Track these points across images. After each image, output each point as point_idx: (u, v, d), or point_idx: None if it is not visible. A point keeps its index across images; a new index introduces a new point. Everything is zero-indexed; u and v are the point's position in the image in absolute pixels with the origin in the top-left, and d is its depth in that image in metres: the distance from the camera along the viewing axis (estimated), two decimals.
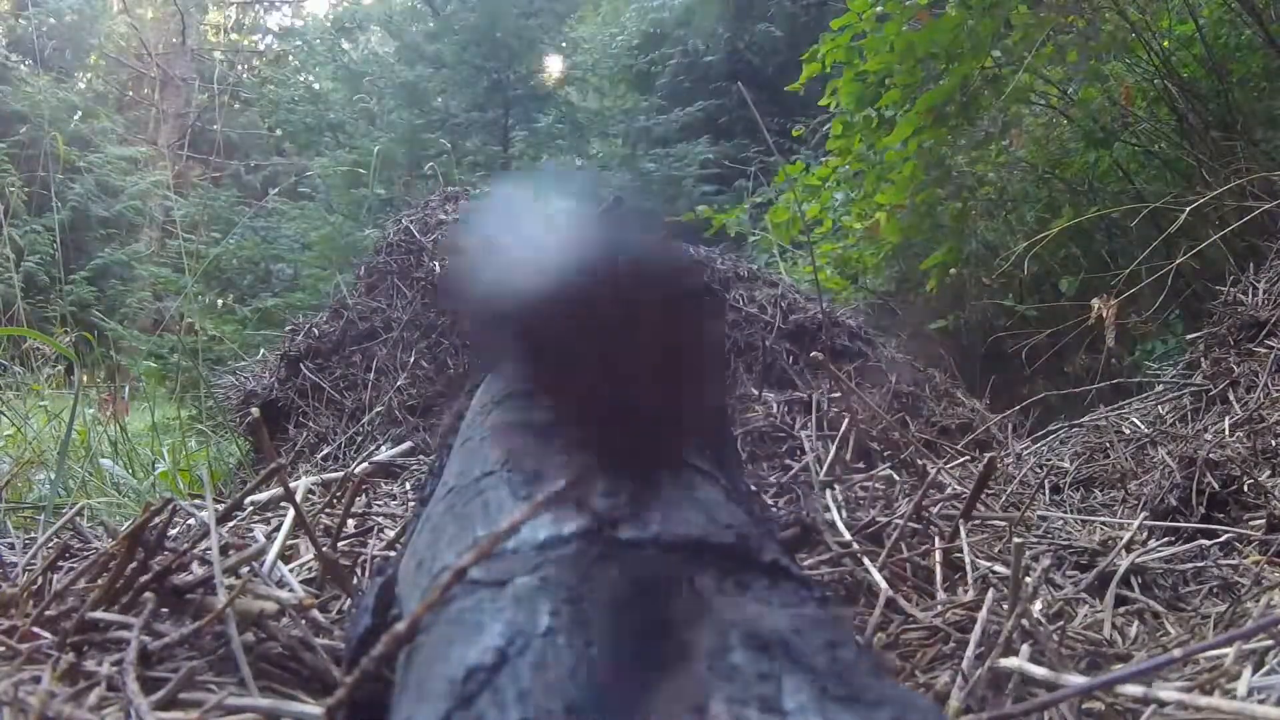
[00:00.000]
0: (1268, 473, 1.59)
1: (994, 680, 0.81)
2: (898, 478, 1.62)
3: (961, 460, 1.98)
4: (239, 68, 15.18)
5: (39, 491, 2.14)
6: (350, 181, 6.50)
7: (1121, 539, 1.29)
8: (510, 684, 0.38)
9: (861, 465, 1.74)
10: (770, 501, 1.49)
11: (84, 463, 2.39)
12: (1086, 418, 2.37)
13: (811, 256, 4.07)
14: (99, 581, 0.87)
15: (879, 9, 3.89)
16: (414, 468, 1.82)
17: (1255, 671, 0.81)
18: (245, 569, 0.90)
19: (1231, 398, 2.01)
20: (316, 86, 9.58)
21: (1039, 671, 0.80)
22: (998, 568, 1.15)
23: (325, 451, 2.41)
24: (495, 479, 0.65)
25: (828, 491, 1.43)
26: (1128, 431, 2.12)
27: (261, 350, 3.72)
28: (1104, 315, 2.67)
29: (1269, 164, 3.09)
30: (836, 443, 1.78)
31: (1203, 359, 2.29)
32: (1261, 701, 0.76)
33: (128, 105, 15.40)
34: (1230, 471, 1.53)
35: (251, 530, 1.22)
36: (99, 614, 0.82)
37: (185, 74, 14.19)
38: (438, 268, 2.87)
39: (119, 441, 2.74)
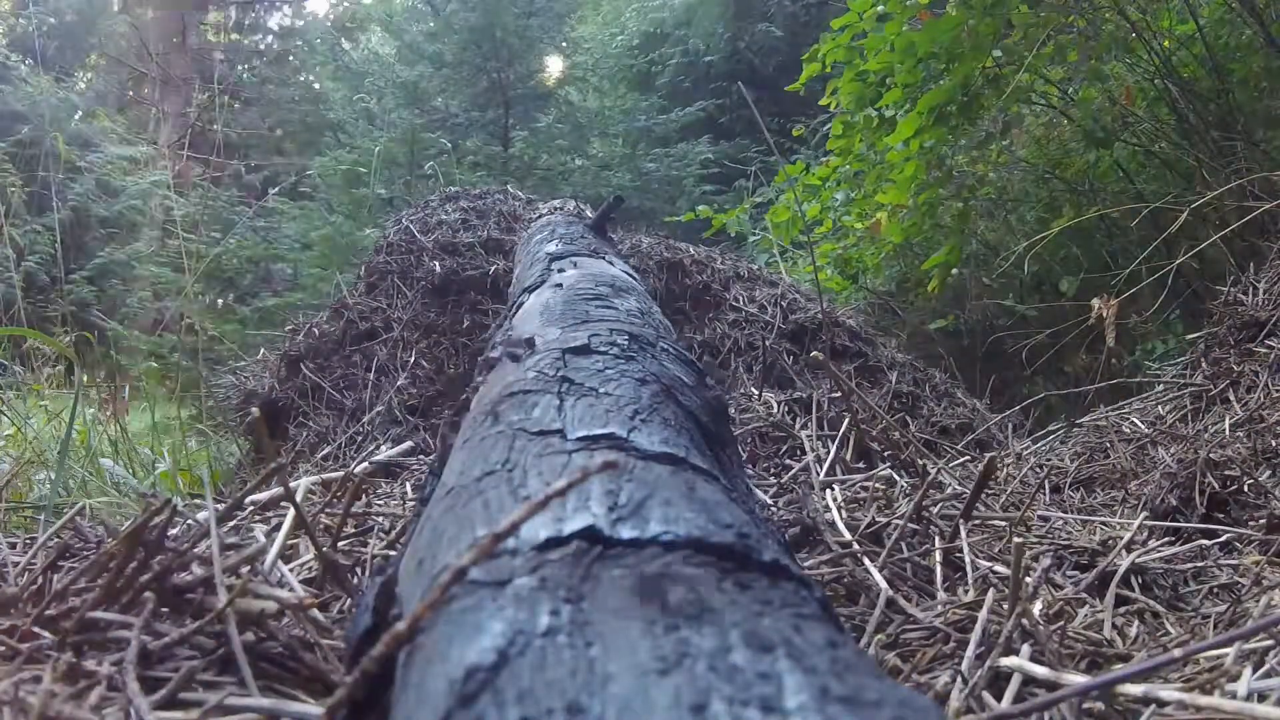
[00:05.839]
0: (1268, 473, 1.59)
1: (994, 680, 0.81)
2: (898, 478, 1.62)
3: (961, 460, 1.98)
4: (239, 68, 15.16)
5: (39, 491, 2.14)
6: (350, 181, 6.51)
7: (1121, 539, 1.29)
8: (510, 684, 0.38)
9: (861, 465, 1.74)
10: (770, 501, 1.49)
11: (84, 463, 2.39)
12: (1086, 418, 2.37)
13: (811, 256, 4.07)
14: (99, 581, 0.87)
15: (879, 9, 3.89)
16: (414, 468, 1.82)
17: (1255, 671, 0.81)
18: (245, 569, 0.90)
19: (1231, 398, 2.01)
20: (316, 86, 9.59)
21: (1039, 671, 0.80)
22: (998, 568, 1.15)
23: (325, 451, 2.41)
24: (495, 479, 0.65)
25: (828, 491, 1.43)
26: (1128, 431, 2.12)
27: (261, 350, 3.73)
28: (1104, 315, 2.67)
29: (1269, 164, 3.09)
30: (836, 443, 1.78)
31: (1203, 359, 2.29)
32: (1262, 701, 0.76)
33: (128, 105, 15.40)
34: (1230, 471, 1.53)
35: (251, 530, 1.22)
36: (99, 614, 0.82)
37: (185, 74, 14.18)
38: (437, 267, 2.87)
39: (119, 441, 2.73)
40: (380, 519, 1.33)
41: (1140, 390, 2.54)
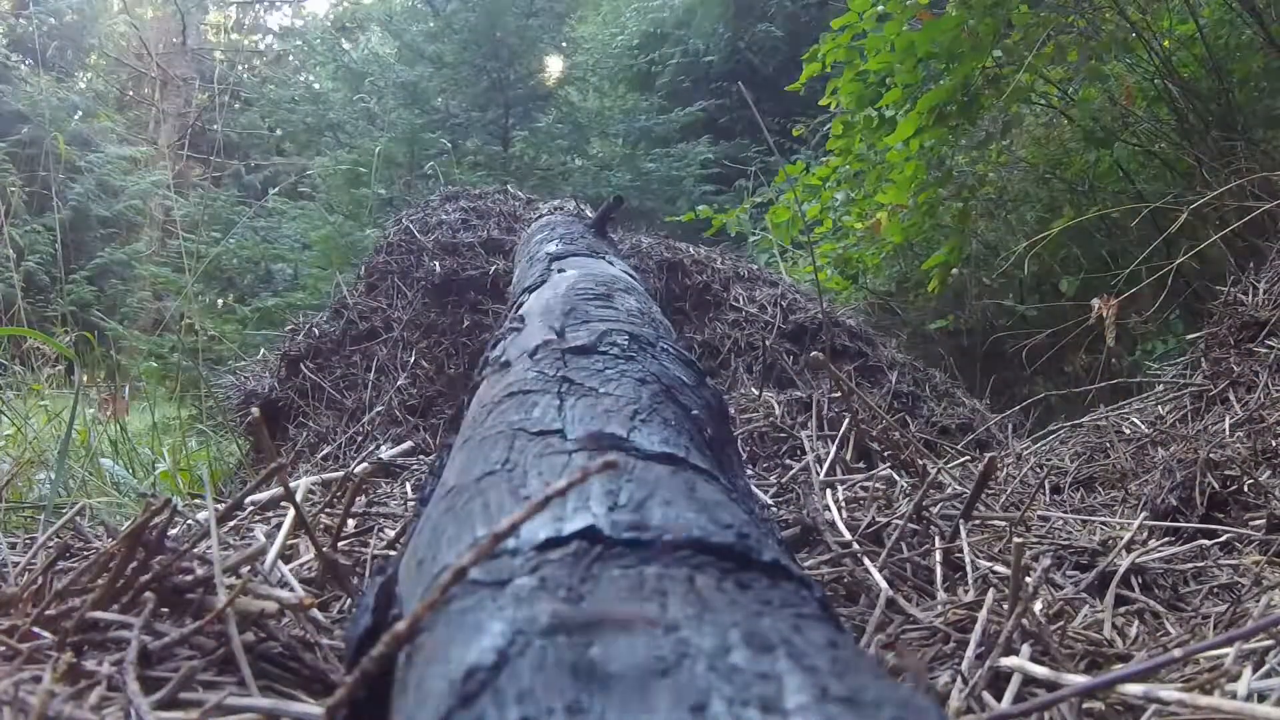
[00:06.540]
0: (1268, 473, 1.59)
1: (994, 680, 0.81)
2: (898, 478, 1.62)
3: (961, 460, 1.98)
4: (239, 68, 15.16)
5: (39, 491, 2.14)
6: (350, 181, 6.50)
7: (1121, 539, 1.29)
8: (510, 684, 0.38)
9: (861, 465, 1.74)
10: (770, 501, 1.49)
11: (84, 463, 2.39)
12: (1086, 418, 2.37)
13: (811, 256, 4.07)
14: (99, 581, 0.87)
15: (879, 9, 3.89)
16: (414, 468, 1.82)
17: (1255, 671, 0.81)
18: (245, 569, 0.90)
19: (1231, 398, 2.01)
20: (316, 86, 9.58)
21: (1039, 671, 0.80)
22: (998, 568, 1.15)
23: (325, 451, 2.41)
24: (495, 479, 0.65)
25: (828, 491, 1.43)
26: (1128, 431, 2.12)
27: (261, 350, 3.73)
28: (1104, 315, 2.67)
29: (1269, 164, 3.09)
30: (836, 443, 1.78)
31: (1203, 359, 2.29)
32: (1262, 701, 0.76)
33: (128, 105, 15.39)
34: (1230, 471, 1.53)
35: (251, 530, 1.22)
36: (99, 614, 0.82)
37: (185, 74, 14.18)
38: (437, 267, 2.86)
39: (119, 441, 2.74)
40: (380, 519, 1.33)
41: (1140, 390, 2.54)
